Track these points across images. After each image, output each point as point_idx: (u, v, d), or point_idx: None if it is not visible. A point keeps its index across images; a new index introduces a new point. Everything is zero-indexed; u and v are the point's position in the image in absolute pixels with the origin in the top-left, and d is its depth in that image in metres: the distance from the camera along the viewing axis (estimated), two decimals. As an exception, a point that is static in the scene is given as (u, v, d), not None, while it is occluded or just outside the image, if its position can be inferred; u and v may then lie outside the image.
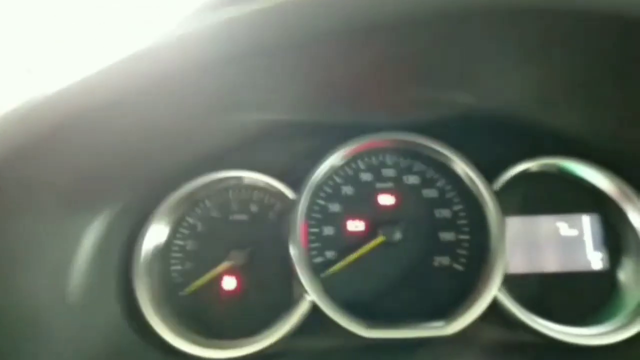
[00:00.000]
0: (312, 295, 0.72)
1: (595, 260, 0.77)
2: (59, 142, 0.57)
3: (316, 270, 0.77)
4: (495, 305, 0.71)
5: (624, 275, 0.76)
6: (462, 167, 0.78)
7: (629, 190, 0.76)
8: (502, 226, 0.74)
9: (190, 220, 0.84)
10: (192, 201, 0.84)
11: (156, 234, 0.81)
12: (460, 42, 0.58)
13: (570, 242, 0.78)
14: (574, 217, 0.79)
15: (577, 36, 0.55)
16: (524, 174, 0.79)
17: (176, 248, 0.83)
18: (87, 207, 0.72)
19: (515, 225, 0.79)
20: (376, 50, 0.57)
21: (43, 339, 0.66)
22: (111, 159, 0.67)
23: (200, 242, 0.83)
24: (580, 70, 0.61)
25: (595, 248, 0.78)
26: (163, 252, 0.82)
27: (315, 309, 0.73)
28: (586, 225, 0.79)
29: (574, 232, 0.79)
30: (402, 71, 0.62)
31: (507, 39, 0.57)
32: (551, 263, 0.78)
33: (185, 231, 0.84)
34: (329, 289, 0.75)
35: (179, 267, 0.82)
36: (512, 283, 0.73)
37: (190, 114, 0.66)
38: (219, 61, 0.53)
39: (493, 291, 0.70)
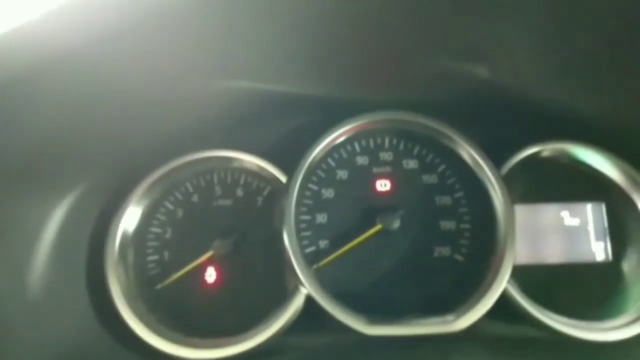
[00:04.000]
0: (308, 288, 0.66)
1: (600, 251, 0.74)
2: (7, 102, 0.49)
3: (308, 260, 0.71)
4: (501, 299, 0.66)
5: (629, 266, 0.73)
6: (467, 151, 0.72)
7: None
8: (511, 214, 0.69)
9: (169, 205, 0.76)
10: (171, 184, 0.76)
11: (130, 220, 0.73)
12: (479, 9, 0.53)
13: (574, 232, 0.75)
14: (579, 205, 0.75)
15: (599, 14, 0.51)
16: (531, 159, 0.74)
17: (152, 236, 0.75)
18: (49, 187, 0.64)
19: (519, 213, 0.74)
20: (383, 9, 0.51)
21: (3, 338, 0.58)
22: (74, 131, 0.59)
23: (179, 230, 0.75)
24: (600, 52, 0.57)
25: (600, 238, 0.74)
26: (137, 241, 0.74)
27: (309, 303, 0.67)
28: (590, 214, 0.75)
29: (578, 222, 0.75)
30: (413, 37, 0.56)
31: (529, 13, 0.53)
32: (555, 254, 0.74)
33: (163, 217, 0.75)
34: (323, 281, 0.69)
35: (155, 257, 0.74)
36: (518, 275, 0.69)
37: (166, 76, 0.58)
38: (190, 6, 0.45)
39: (503, 284, 0.65)
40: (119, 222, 0.72)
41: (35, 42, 0.45)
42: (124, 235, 0.72)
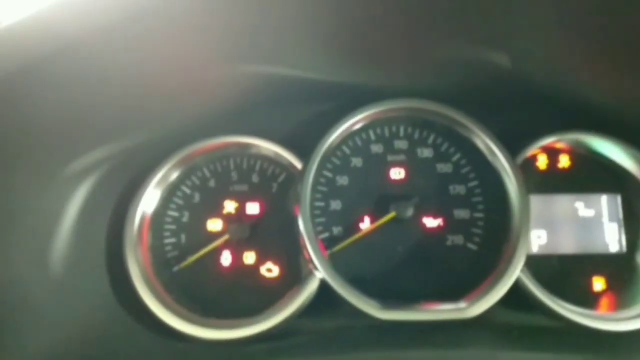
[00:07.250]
0: (322, 273, 0.67)
1: (614, 242, 0.74)
2: (33, 83, 0.50)
3: (323, 246, 0.71)
4: (515, 287, 0.67)
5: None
6: (483, 140, 0.72)
7: None
8: (526, 203, 0.69)
9: (186, 189, 0.77)
10: (189, 169, 0.77)
11: (148, 203, 0.74)
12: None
13: (589, 223, 0.75)
14: (594, 196, 0.75)
15: (619, 3, 0.50)
16: (547, 149, 0.74)
17: (169, 219, 0.76)
18: (71, 168, 0.65)
19: (534, 203, 0.74)
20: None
21: (24, 315, 0.60)
22: (95, 115, 0.60)
23: (196, 214, 0.76)
24: (619, 43, 0.56)
25: (614, 230, 0.74)
26: (155, 224, 0.75)
27: (323, 287, 0.68)
28: (605, 205, 0.75)
29: (593, 213, 0.75)
30: (433, 22, 0.56)
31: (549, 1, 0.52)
32: (569, 244, 0.74)
33: (180, 201, 0.77)
34: (337, 266, 0.69)
35: (172, 240, 0.75)
36: (531, 264, 0.69)
37: (183, 62, 0.59)
38: None
39: (516, 272, 0.66)
40: (137, 205, 0.73)
41: (49, 30, 0.46)
42: (143, 218, 0.73)
